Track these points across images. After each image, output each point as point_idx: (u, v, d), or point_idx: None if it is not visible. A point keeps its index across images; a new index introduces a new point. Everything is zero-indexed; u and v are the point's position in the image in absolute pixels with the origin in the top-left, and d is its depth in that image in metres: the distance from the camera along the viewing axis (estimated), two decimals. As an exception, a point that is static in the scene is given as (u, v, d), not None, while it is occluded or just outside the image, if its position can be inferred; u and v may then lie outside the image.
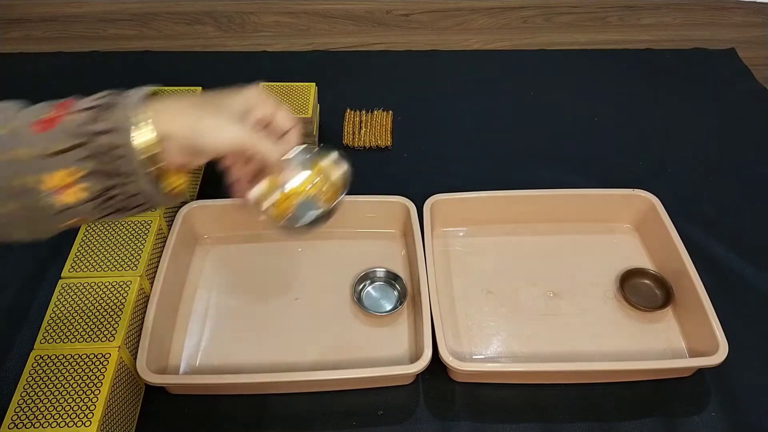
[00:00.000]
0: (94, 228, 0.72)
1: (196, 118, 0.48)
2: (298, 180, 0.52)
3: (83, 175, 0.44)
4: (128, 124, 0.44)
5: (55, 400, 0.56)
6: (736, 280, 0.78)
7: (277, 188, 0.52)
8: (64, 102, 0.46)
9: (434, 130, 1.00)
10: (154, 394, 0.66)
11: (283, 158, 0.52)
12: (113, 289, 0.65)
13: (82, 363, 0.59)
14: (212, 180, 0.91)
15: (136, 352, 0.63)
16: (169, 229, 0.75)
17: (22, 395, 0.56)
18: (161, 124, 0.45)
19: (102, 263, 0.68)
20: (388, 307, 0.74)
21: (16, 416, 0.55)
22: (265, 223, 0.53)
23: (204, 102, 0.51)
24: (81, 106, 0.45)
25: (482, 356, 0.70)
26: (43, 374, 0.58)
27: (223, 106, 0.50)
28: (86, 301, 0.64)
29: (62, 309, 0.63)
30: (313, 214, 0.53)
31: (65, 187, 0.44)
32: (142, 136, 0.45)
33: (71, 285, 0.66)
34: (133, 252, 0.69)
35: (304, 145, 0.53)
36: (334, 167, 0.54)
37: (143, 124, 0.45)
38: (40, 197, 0.44)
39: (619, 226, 0.83)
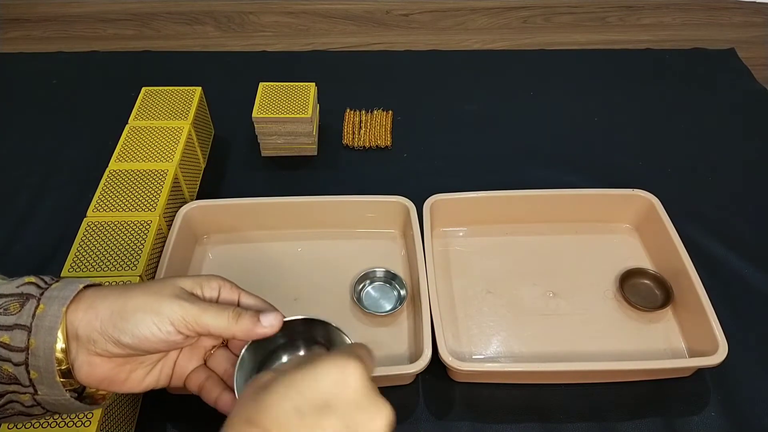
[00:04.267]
0: (94, 228, 0.72)
1: (117, 307, 0.38)
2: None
3: None
4: (39, 323, 0.36)
5: (54, 400, 0.56)
6: (736, 280, 0.78)
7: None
8: None
9: (434, 130, 1.00)
10: (154, 393, 0.66)
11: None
12: (113, 289, 0.65)
13: (82, 363, 0.59)
14: (212, 180, 0.91)
15: (136, 352, 0.63)
16: (169, 229, 0.75)
17: (22, 395, 0.56)
18: (79, 326, 0.37)
19: (102, 263, 0.68)
20: (388, 307, 0.74)
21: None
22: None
23: (137, 289, 0.40)
24: None
25: (482, 356, 0.70)
26: (43, 374, 0.58)
27: (160, 287, 0.40)
28: (86, 301, 0.64)
29: (62, 309, 0.63)
30: None
31: None
32: (50, 338, 0.36)
33: (71, 285, 0.66)
34: (132, 252, 0.69)
35: (302, 317, 0.43)
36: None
37: (56, 325, 0.37)
38: None
39: (618, 226, 0.83)
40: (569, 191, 0.82)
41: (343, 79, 1.10)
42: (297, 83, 0.93)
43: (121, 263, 0.68)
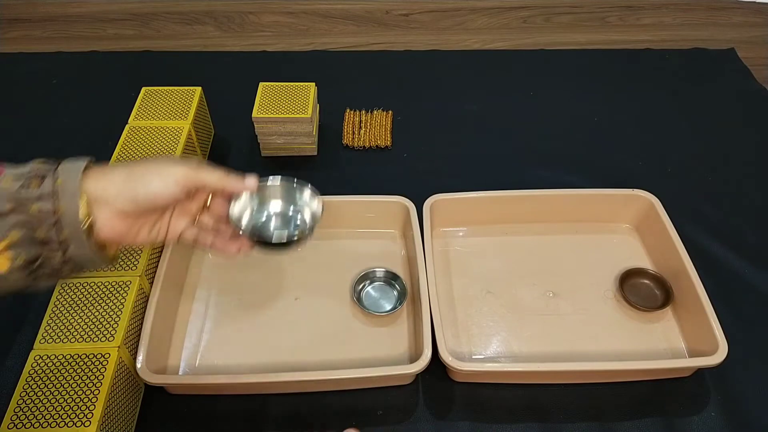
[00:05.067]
0: (94, 228, 0.72)
1: (127, 173, 0.48)
2: (274, 204, 0.57)
3: (9, 243, 0.43)
4: (62, 191, 0.44)
5: (54, 400, 0.56)
6: (736, 280, 0.78)
7: (249, 207, 0.56)
8: None
9: (434, 130, 1.00)
10: (154, 394, 0.66)
11: (263, 183, 0.56)
12: (113, 289, 0.65)
13: (82, 363, 0.59)
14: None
15: (136, 352, 0.63)
16: (169, 229, 0.75)
17: (22, 395, 0.56)
18: (95, 191, 0.46)
19: (102, 263, 0.68)
20: (388, 307, 0.74)
21: (15, 416, 0.55)
22: (242, 244, 0.56)
23: (138, 161, 0.50)
24: (12, 173, 0.45)
25: (482, 356, 0.70)
26: (43, 374, 0.58)
27: (157, 159, 0.51)
28: (86, 301, 0.64)
29: (62, 309, 0.63)
30: (284, 234, 0.57)
31: None
32: (73, 203, 0.44)
33: (71, 285, 0.66)
34: (132, 252, 0.69)
35: (279, 176, 0.56)
36: (310, 199, 0.58)
37: (77, 191, 0.45)
38: None
39: (618, 226, 0.83)
40: (569, 191, 0.82)
41: (343, 79, 1.10)
42: (297, 83, 0.93)
43: (121, 263, 0.68)
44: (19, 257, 0.43)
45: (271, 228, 0.57)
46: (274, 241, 0.55)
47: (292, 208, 0.59)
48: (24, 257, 0.44)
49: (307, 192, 0.58)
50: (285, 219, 0.58)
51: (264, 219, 0.58)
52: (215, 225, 0.57)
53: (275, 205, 0.58)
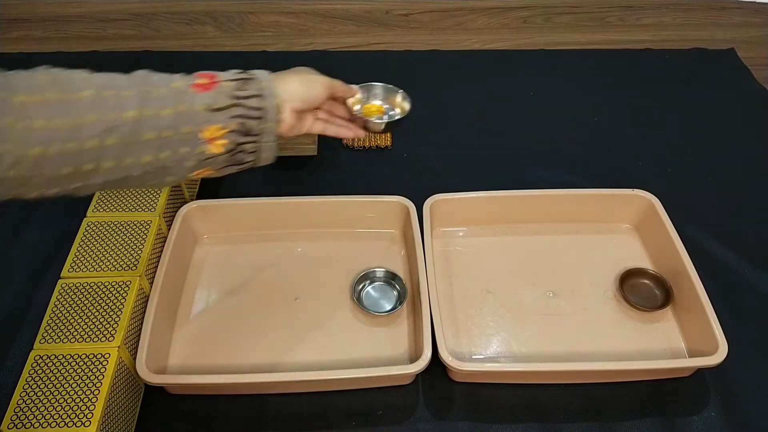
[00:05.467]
0: (94, 228, 0.72)
1: (299, 79, 0.63)
2: (379, 100, 0.76)
3: (228, 131, 0.55)
4: (267, 92, 0.57)
5: (54, 400, 0.56)
6: (736, 280, 0.78)
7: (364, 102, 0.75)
8: (203, 73, 0.56)
9: (434, 130, 1.00)
10: (154, 394, 0.66)
11: (368, 85, 0.75)
12: (113, 289, 0.65)
13: (82, 363, 0.59)
14: (212, 180, 0.91)
15: (136, 352, 0.63)
16: (169, 229, 0.75)
17: (22, 395, 0.56)
18: (283, 92, 0.59)
19: (101, 263, 0.68)
20: (388, 307, 0.74)
21: (15, 416, 0.55)
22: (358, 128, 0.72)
23: (296, 70, 0.65)
24: (227, 77, 0.56)
25: (482, 356, 0.70)
26: (43, 374, 0.58)
27: (309, 69, 0.66)
28: (86, 301, 0.64)
29: (62, 309, 0.64)
30: (393, 114, 0.75)
31: (213, 139, 0.54)
32: (272, 101, 0.58)
33: (71, 285, 0.66)
34: (132, 252, 0.69)
35: (381, 83, 0.76)
36: (402, 99, 0.76)
37: (274, 92, 0.58)
38: (197, 144, 0.54)
39: (618, 226, 0.83)
40: (569, 191, 0.82)
41: (343, 79, 1.10)
42: (297, 83, 0.93)
43: (121, 263, 0.68)
44: (231, 143, 0.55)
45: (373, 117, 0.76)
46: (374, 120, 0.73)
47: (387, 103, 0.77)
48: (233, 143, 0.56)
49: (400, 93, 0.76)
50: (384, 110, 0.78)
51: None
52: (331, 118, 0.71)
53: (376, 100, 0.77)
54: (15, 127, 0.43)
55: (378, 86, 0.78)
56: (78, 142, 0.47)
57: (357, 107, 0.75)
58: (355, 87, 0.73)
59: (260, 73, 0.59)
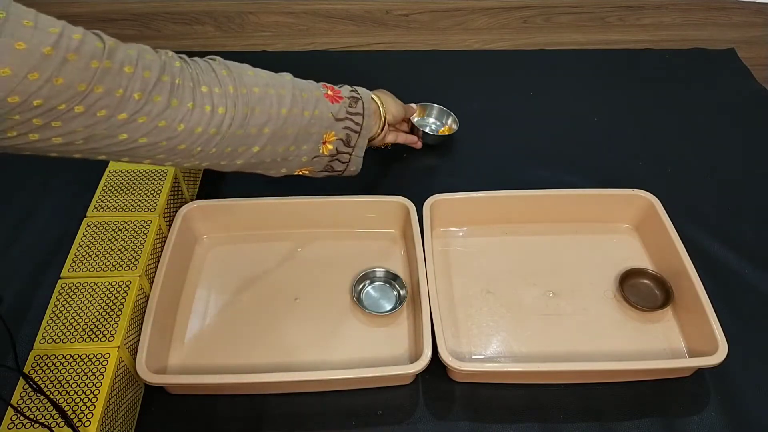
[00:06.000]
0: (94, 228, 0.72)
1: (392, 98, 0.82)
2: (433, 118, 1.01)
3: (337, 138, 0.68)
4: (368, 111, 0.71)
5: (54, 400, 0.56)
6: (736, 280, 0.78)
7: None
8: (327, 85, 0.69)
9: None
10: (154, 394, 0.66)
11: (425, 105, 1.00)
12: (113, 289, 0.65)
13: (82, 363, 0.59)
14: (212, 180, 0.91)
15: (136, 352, 0.63)
16: (169, 229, 0.75)
17: (22, 395, 0.56)
18: (384, 110, 0.77)
19: (101, 263, 0.68)
20: (388, 307, 0.74)
21: (15, 416, 0.55)
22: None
23: (383, 91, 0.82)
24: (345, 94, 0.69)
25: (482, 356, 0.70)
26: (43, 374, 0.58)
27: (389, 95, 0.82)
28: (86, 301, 0.64)
29: (62, 309, 0.64)
30: (436, 131, 0.99)
31: (326, 143, 0.67)
32: (370, 121, 0.71)
33: (71, 285, 0.66)
34: (132, 252, 0.69)
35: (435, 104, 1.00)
36: (452, 120, 0.99)
37: (372, 113, 0.72)
38: (317, 144, 0.67)
39: (618, 226, 0.83)
40: (569, 191, 0.82)
41: (343, 79, 1.10)
42: (297, 83, 0.93)
43: (121, 263, 0.68)
44: (335, 149, 0.69)
45: (427, 129, 0.98)
46: (427, 131, 0.95)
47: (439, 121, 1.00)
48: (336, 149, 0.69)
49: (452, 115, 0.98)
50: (436, 126, 1.00)
51: (426, 126, 1.00)
52: (397, 130, 0.89)
53: (431, 118, 1.01)
54: (199, 110, 0.56)
55: (435, 107, 0.99)
56: (244, 128, 0.59)
57: (416, 119, 0.95)
58: (415, 106, 0.91)
59: (364, 93, 0.72)
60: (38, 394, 0.56)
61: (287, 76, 0.65)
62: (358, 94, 0.70)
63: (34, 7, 0.47)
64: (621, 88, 1.10)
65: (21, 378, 0.58)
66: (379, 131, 0.77)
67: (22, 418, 0.55)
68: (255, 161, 0.63)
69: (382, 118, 0.76)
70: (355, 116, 0.68)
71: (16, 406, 0.56)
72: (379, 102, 0.76)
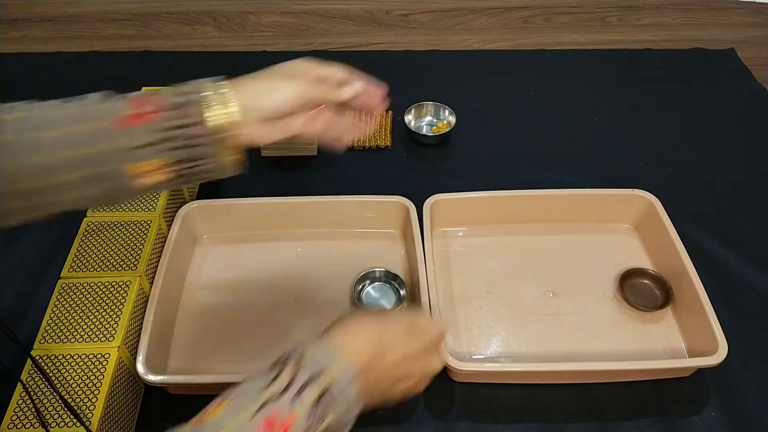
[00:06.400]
0: (94, 228, 0.72)
1: (265, 90, 0.54)
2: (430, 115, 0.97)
3: (166, 163, 0.50)
4: (206, 115, 0.50)
5: (54, 399, 0.56)
6: (736, 280, 0.78)
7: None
8: (142, 98, 0.52)
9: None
10: (154, 393, 0.66)
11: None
12: (113, 289, 0.65)
13: (82, 363, 0.59)
14: (212, 180, 0.90)
15: (136, 352, 0.63)
16: (169, 229, 0.75)
17: (22, 395, 0.56)
18: (237, 104, 0.51)
19: (101, 263, 0.68)
20: (388, 307, 0.74)
21: (15, 416, 0.55)
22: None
23: (263, 73, 0.55)
24: (164, 104, 0.50)
25: (482, 356, 0.70)
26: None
27: (276, 71, 0.56)
28: (86, 301, 0.64)
29: (62, 309, 0.64)
30: (430, 133, 0.95)
31: (147, 174, 0.50)
32: (218, 120, 0.50)
33: (71, 285, 0.66)
34: (132, 252, 0.69)
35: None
36: (449, 113, 0.96)
37: (220, 111, 0.50)
38: (123, 182, 0.49)
39: (618, 226, 0.83)
40: (569, 191, 0.82)
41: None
42: (297, 83, 0.93)
43: (121, 263, 0.68)
44: (168, 173, 0.51)
45: (424, 130, 0.95)
46: (424, 132, 0.92)
47: (436, 118, 0.96)
48: (172, 173, 0.51)
49: (447, 108, 0.94)
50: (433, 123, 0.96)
51: (422, 128, 0.98)
52: (338, 118, 0.60)
53: (427, 117, 0.99)
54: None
55: (429, 104, 0.93)
56: (44, 179, 0.48)
57: (412, 122, 0.93)
58: (351, 88, 0.60)
59: (205, 89, 0.51)
60: (38, 395, 0.56)
61: (87, 105, 0.55)
62: (196, 96, 0.51)
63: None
64: (621, 88, 1.10)
65: (20, 381, 0.58)
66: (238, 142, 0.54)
67: (22, 418, 0.55)
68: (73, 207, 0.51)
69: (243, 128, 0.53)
70: (188, 128, 0.50)
71: (17, 404, 0.56)
72: (226, 96, 0.52)
